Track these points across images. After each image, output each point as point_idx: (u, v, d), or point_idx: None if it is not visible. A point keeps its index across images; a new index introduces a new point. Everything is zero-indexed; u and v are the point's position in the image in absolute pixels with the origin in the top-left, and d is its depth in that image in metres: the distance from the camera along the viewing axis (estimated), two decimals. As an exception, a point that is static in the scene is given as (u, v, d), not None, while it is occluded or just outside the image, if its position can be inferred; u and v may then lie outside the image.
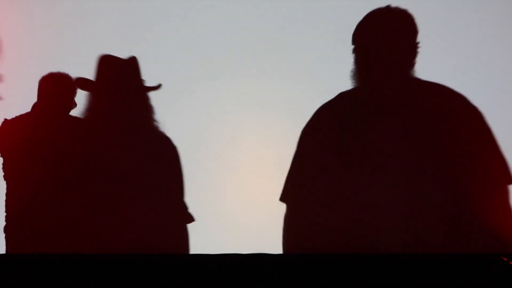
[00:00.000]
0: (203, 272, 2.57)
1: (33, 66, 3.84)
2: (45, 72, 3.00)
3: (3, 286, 2.54)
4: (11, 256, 2.71)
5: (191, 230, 3.09)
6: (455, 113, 1.95)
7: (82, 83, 2.63)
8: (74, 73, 3.02)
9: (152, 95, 3.68)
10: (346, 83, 3.50)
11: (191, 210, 3.12)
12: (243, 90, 3.42)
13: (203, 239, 3.18)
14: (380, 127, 2.04)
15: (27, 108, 2.79)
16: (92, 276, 2.55)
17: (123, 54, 3.86)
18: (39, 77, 2.98)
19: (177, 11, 3.96)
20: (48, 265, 2.60)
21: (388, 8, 2.00)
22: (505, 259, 2.11)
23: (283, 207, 3.24)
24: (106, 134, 2.33)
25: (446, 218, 2.09)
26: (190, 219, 2.64)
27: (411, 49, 1.98)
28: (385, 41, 1.96)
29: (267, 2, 3.96)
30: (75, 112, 2.73)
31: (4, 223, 2.79)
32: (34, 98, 2.83)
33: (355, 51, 2.05)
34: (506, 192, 2.00)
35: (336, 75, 3.60)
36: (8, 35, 3.84)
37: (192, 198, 3.15)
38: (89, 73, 3.50)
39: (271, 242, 2.99)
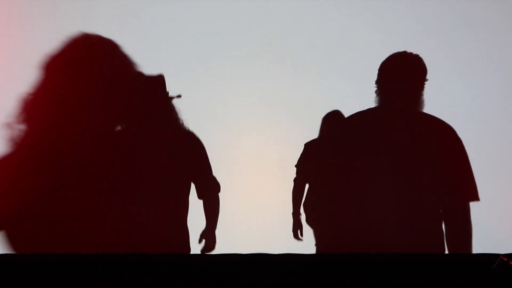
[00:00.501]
0: (203, 272, 2.57)
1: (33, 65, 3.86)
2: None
3: (3, 286, 2.54)
4: (12, 256, 2.71)
5: (192, 230, 3.09)
6: (443, 141, 2.50)
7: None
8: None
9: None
10: (345, 84, 3.50)
11: (192, 209, 3.13)
12: (243, 90, 3.42)
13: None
14: (385, 143, 2.57)
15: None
16: (92, 276, 2.55)
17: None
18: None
19: (178, 11, 3.96)
20: (48, 265, 2.61)
21: (403, 53, 2.58)
22: (505, 259, 2.11)
23: (282, 207, 3.24)
24: (141, 134, 2.58)
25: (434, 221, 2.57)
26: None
27: (420, 87, 2.50)
28: (401, 80, 2.52)
29: (267, 2, 3.96)
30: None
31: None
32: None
33: (377, 82, 2.61)
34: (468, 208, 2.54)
35: (336, 75, 3.60)
36: (9, 35, 3.85)
37: (192, 198, 3.15)
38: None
39: (271, 242, 2.99)
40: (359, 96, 3.45)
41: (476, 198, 2.57)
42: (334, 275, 2.51)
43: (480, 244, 3.01)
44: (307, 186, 3.20)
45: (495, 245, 2.59)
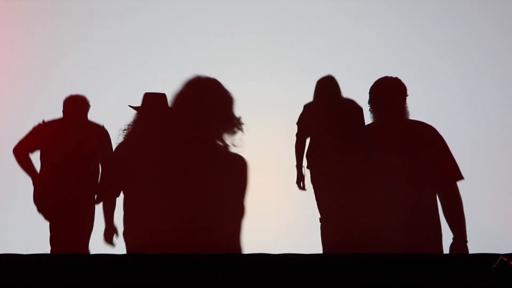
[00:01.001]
0: (203, 272, 2.57)
1: (33, 66, 3.87)
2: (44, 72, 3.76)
3: (4, 286, 2.54)
4: (12, 256, 2.71)
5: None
6: (427, 139, 3.04)
7: None
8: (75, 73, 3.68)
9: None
10: (345, 84, 3.52)
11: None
12: (243, 90, 3.42)
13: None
14: (382, 147, 3.05)
15: (29, 106, 3.56)
16: (92, 276, 2.55)
17: (125, 54, 3.89)
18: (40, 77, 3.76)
19: (179, 12, 3.97)
20: (48, 265, 2.61)
21: (386, 77, 3.17)
22: (505, 259, 2.11)
23: (282, 207, 3.25)
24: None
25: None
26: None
27: (403, 101, 3.13)
28: (388, 97, 3.11)
29: (268, 2, 3.97)
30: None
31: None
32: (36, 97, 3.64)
33: (370, 102, 3.16)
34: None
35: (337, 75, 3.60)
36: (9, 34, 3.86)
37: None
38: (89, 74, 3.57)
39: (271, 242, 2.98)
40: (359, 96, 3.47)
41: (460, 177, 3.00)
42: (334, 275, 2.51)
43: (480, 244, 3.02)
44: (308, 140, 3.45)
45: (495, 245, 2.60)
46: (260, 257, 2.58)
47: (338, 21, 3.92)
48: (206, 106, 2.63)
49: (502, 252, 2.20)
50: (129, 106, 3.12)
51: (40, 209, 3.38)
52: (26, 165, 3.39)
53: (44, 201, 3.36)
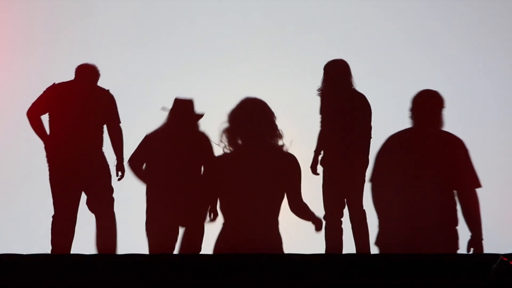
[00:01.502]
0: (203, 272, 2.57)
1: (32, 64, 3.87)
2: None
3: (4, 286, 2.54)
4: (12, 256, 2.71)
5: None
6: (454, 150, 3.37)
7: None
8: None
9: (153, 95, 3.72)
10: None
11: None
12: (243, 89, 3.42)
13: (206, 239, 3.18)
14: (413, 154, 3.40)
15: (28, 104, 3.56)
16: (92, 276, 2.55)
17: (125, 54, 3.89)
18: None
19: (180, 12, 3.97)
20: (48, 265, 2.61)
21: (427, 90, 3.50)
22: (505, 259, 2.10)
23: (283, 207, 3.24)
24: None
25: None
26: None
27: (440, 113, 3.46)
28: (423, 107, 3.47)
29: (269, 2, 3.96)
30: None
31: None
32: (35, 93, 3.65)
33: (410, 110, 3.47)
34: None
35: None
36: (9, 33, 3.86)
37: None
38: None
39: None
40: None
41: (479, 185, 3.31)
42: (334, 275, 2.51)
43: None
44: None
45: (495, 245, 2.60)
46: (261, 257, 2.58)
47: (341, 20, 3.92)
48: (260, 118, 3.21)
49: (502, 252, 2.19)
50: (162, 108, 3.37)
51: (52, 170, 3.51)
52: (39, 128, 3.57)
53: (55, 162, 3.52)
